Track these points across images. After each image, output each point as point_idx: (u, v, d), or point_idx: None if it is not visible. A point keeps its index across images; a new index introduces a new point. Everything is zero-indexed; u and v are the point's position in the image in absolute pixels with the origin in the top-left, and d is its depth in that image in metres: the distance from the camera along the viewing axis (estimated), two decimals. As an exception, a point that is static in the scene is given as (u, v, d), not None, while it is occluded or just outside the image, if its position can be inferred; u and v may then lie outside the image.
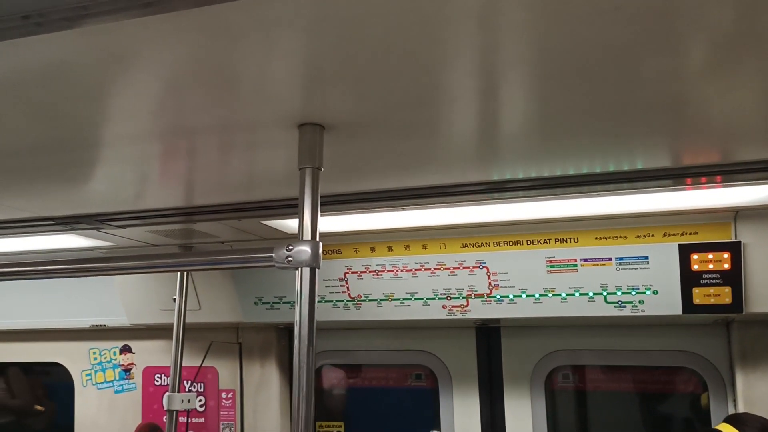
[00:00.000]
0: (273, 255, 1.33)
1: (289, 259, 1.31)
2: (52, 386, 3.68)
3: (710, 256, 2.18)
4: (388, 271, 2.56)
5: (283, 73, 1.15)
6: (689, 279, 2.20)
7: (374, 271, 2.57)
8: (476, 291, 2.47)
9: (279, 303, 2.76)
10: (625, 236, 2.26)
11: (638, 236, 2.25)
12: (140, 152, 1.65)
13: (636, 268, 2.26)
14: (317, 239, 1.34)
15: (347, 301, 2.64)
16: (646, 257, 2.24)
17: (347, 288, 2.63)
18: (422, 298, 2.54)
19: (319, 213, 1.36)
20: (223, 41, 1.02)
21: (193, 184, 1.96)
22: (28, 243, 2.61)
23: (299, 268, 1.32)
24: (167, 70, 1.15)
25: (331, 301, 2.65)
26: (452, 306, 2.51)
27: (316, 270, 1.33)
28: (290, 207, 2.07)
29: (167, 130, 1.48)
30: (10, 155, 1.64)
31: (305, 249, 1.31)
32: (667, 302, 2.24)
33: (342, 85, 1.21)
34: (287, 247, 1.32)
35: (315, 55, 1.08)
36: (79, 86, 1.21)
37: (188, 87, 1.22)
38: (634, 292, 2.27)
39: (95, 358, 3.42)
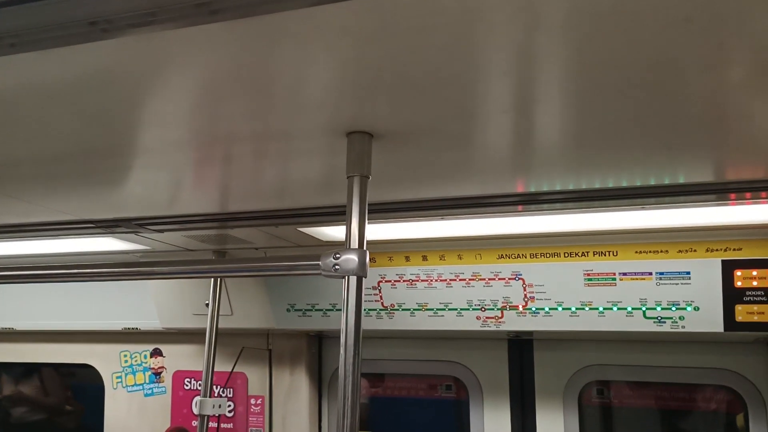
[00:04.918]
0: (320, 263, 1.33)
1: (336, 267, 1.31)
2: (84, 388, 3.72)
3: (754, 272, 2.14)
4: (422, 280, 2.54)
5: (339, 82, 1.15)
6: (732, 296, 2.16)
7: (408, 281, 2.56)
8: (511, 303, 2.45)
9: (311, 310, 2.76)
10: (667, 251, 2.22)
11: (680, 251, 2.21)
12: (184, 158, 1.67)
13: (677, 284, 2.22)
14: (364, 248, 1.34)
15: (380, 309, 2.64)
16: (688, 272, 2.20)
17: (380, 297, 2.63)
18: (456, 309, 2.52)
19: (366, 221, 1.36)
20: (283, 49, 1.02)
21: (233, 190, 1.97)
22: (68, 245, 2.65)
23: (346, 277, 1.31)
24: (222, 76, 1.15)
25: (364, 310, 2.63)
26: (486, 317, 2.49)
27: (363, 279, 1.33)
28: (329, 215, 2.07)
29: (214, 137, 1.49)
30: (58, 160, 1.66)
31: (353, 258, 1.31)
32: (709, 319, 2.20)
33: (395, 94, 1.20)
34: (334, 255, 1.31)
35: (373, 64, 1.08)
36: (134, 91, 1.22)
37: (242, 95, 1.22)
38: (674, 308, 2.24)
39: (126, 361, 3.44)
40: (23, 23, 0.93)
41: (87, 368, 3.53)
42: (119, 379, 3.45)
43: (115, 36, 0.94)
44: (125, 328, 3.28)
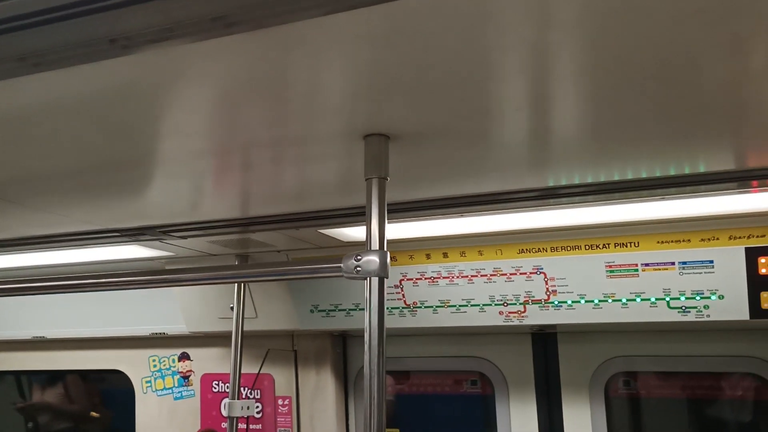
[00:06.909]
0: (342, 265, 1.35)
1: (358, 269, 1.33)
2: (114, 393, 3.79)
3: (779, 259, 2.12)
4: (444, 277, 2.55)
5: (355, 86, 1.16)
6: (757, 283, 2.14)
7: (430, 278, 2.57)
8: (533, 297, 2.45)
9: (335, 310, 2.79)
10: (689, 240, 2.21)
11: (702, 239, 2.19)
12: (205, 166, 1.69)
13: (700, 273, 2.20)
14: (385, 249, 1.35)
15: (403, 308, 2.65)
16: (711, 261, 2.19)
17: (402, 295, 2.64)
18: (478, 305, 2.53)
19: (386, 222, 1.37)
20: (299, 57, 1.04)
21: (254, 195, 2.00)
22: (95, 254, 2.70)
23: (368, 278, 1.33)
24: (239, 86, 1.17)
25: (387, 308, 2.65)
26: (509, 312, 2.49)
27: (385, 279, 1.34)
28: (349, 216, 2.09)
29: (234, 145, 1.52)
30: (83, 172, 1.70)
31: (374, 259, 1.32)
32: (734, 307, 2.18)
33: (410, 96, 1.22)
34: (356, 257, 1.33)
35: (387, 68, 1.09)
36: (154, 104, 1.25)
37: (259, 103, 1.24)
38: (698, 297, 2.22)
39: (155, 366, 3.50)
40: (46, 43, 0.96)
41: (117, 374, 3.59)
42: (149, 384, 3.51)
43: (134, 51, 0.97)
44: (153, 334, 3.32)
